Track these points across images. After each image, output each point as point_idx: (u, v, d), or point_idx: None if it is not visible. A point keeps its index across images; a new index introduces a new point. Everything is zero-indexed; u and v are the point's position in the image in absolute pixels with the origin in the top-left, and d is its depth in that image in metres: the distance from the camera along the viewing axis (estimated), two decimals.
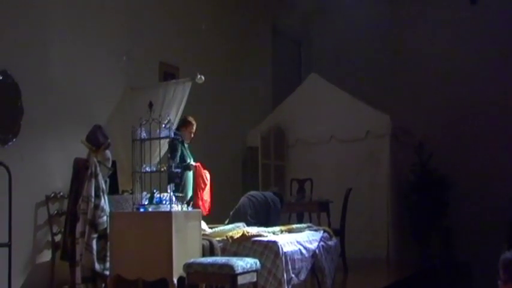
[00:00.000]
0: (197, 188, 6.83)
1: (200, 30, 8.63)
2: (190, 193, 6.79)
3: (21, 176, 5.71)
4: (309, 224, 6.99)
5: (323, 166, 9.70)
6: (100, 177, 5.68)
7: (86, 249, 5.49)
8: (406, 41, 11.36)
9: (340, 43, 11.73)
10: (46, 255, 6.26)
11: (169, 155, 6.32)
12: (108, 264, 5.47)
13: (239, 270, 4.70)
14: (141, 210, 5.21)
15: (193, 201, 6.58)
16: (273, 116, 10.35)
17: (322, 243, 6.15)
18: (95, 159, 5.73)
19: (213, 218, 6.73)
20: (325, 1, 11.76)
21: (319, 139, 9.92)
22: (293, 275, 5.53)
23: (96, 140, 5.85)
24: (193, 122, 6.92)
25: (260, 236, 5.62)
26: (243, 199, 6.70)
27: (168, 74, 8.22)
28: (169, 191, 5.21)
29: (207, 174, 6.96)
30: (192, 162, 6.87)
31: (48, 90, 6.46)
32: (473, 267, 9.36)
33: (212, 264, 4.79)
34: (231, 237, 5.64)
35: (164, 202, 5.17)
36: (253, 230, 5.78)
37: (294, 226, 6.53)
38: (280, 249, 5.41)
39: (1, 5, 6.01)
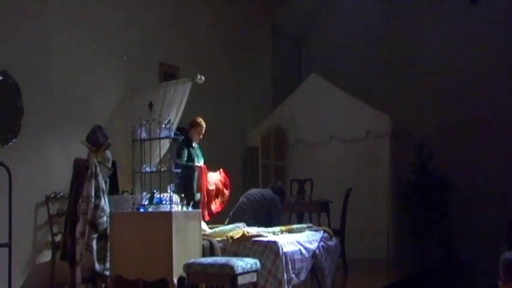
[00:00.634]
0: (200, 190, 6.84)
1: (200, 30, 8.62)
2: (198, 195, 6.79)
3: (21, 176, 5.72)
4: (309, 224, 6.99)
5: (323, 166, 9.70)
6: (100, 177, 5.67)
7: (86, 250, 5.48)
8: (406, 41, 11.37)
9: (340, 43, 11.74)
10: (46, 256, 6.26)
11: (169, 155, 6.31)
12: (108, 265, 5.46)
13: (239, 270, 4.70)
14: (141, 210, 5.21)
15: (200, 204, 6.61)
16: (273, 116, 10.35)
17: (322, 243, 6.16)
18: (95, 160, 5.72)
19: (213, 218, 6.73)
20: (325, 1, 11.78)
21: (319, 139, 9.92)
22: (293, 275, 5.53)
23: (96, 140, 5.84)
24: (202, 124, 6.93)
25: (260, 236, 5.62)
26: (242, 198, 6.68)
27: (168, 74, 8.22)
28: (169, 191, 5.20)
29: (213, 178, 6.94)
30: (197, 163, 6.87)
31: (48, 90, 6.46)
32: (473, 267, 9.36)
33: (212, 265, 4.79)
34: (231, 237, 5.64)
35: (164, 202, 5.17)
36: (253, 230, 5.78)
37: (294, 226, 6.53)
38: (281, 249, 5.42)
39: (1, 5, 6.00)
